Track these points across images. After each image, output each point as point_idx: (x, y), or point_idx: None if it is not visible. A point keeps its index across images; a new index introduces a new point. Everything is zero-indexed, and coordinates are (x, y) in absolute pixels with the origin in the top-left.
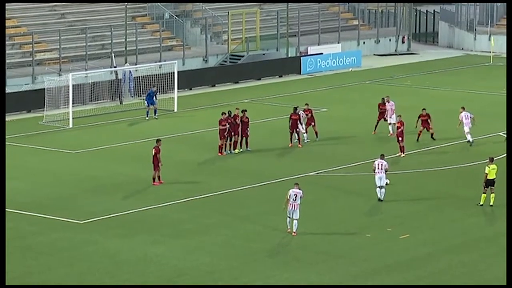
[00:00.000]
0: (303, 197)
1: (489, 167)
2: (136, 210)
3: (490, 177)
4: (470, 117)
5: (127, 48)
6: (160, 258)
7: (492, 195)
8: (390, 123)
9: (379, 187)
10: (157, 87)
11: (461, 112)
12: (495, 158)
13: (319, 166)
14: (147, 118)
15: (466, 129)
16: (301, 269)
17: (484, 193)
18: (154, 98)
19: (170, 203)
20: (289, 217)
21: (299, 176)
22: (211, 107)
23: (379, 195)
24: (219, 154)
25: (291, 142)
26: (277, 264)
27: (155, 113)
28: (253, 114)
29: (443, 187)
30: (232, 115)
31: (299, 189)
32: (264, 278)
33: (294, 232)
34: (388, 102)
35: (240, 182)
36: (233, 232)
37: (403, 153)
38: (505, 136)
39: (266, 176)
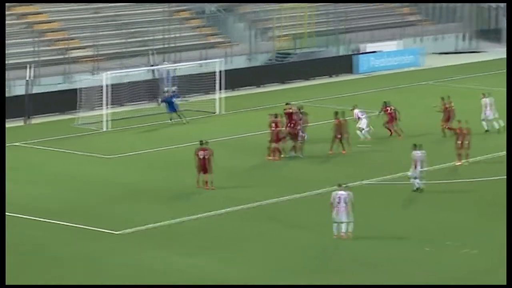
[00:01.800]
0: (349, 198)
1: None
2: (173, 220)
3: None
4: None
5: (167, 45)
6: (197, 271)
7: None
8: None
9: (414, 178)
10: (179, 89)
11: (483, 98)
12: None
13: (373, 173)
14: (172, 121)
15: (490, 115)
16: (348, 282)
17: None
18: (175, 102)
19: (210, 213)
20: (336, 222)
21: (350, 184)
22: (256, 109)
23: (416, 186)
24: (270, 158)
25: (331, 150)
26: (322, 277)
27: (180, 117)
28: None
29: (502, 198)
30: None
31: (344, 191)
32: None
33: (343, 233)
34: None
35: (284, 191)
36: (274, 244)
37: (461, 162)
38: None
39: (311, 184)
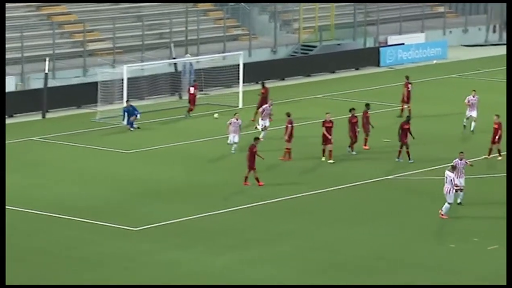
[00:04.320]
0: (455, 182)
1: None
2: (196, 217)
3: None
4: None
5: (188, 38)
6: (222, 271)
7: None
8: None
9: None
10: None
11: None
12: None
13: (399, 168)
14: (131, 129)
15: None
16: (379, 282)
17: None
18: (136, 111)
19: (234, 208)
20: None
21: (377, 179)
22: (280, 103)
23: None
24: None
25: (352, 149)
26: (351, 276)
27: (132, 126)
28: (326, 111)
29: None
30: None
31: (451, 172)
32: None
33: (441, 213)
34: (270, 106)
35: (312, 187)
36: (302, 242)
37: (491, 156)
38: None
39: (340, 180)
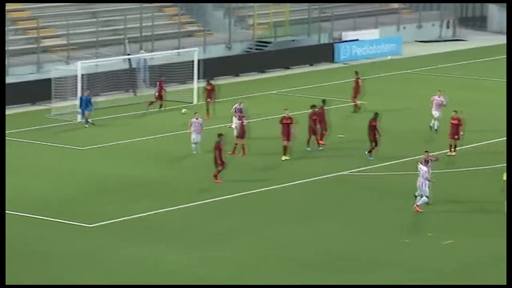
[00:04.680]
0: (427, 176)
1: None
2: (152, 213)
3: None
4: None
5: (142, 34)
6: (178, 267)
7: None
8: (235, 126)
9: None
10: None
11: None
12: None
13: (354, 164)
14: (86, 126)
15: (437, 114)
16: (335, 278)
17: None
18: (90, 104)
19: (190, 204)
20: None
21: (331, 175)
22: (234, 99)
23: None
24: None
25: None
26: (309, 274)
27: (86, 122)
28: (281, 107)
29: (487, 189)
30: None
31: (424, 165)
32: None
33: (417, 205)
34: (239, 105)
35: (268, 183)
36: (259, 238)
37: (454, 151)
38: None
39: (295, 176)
